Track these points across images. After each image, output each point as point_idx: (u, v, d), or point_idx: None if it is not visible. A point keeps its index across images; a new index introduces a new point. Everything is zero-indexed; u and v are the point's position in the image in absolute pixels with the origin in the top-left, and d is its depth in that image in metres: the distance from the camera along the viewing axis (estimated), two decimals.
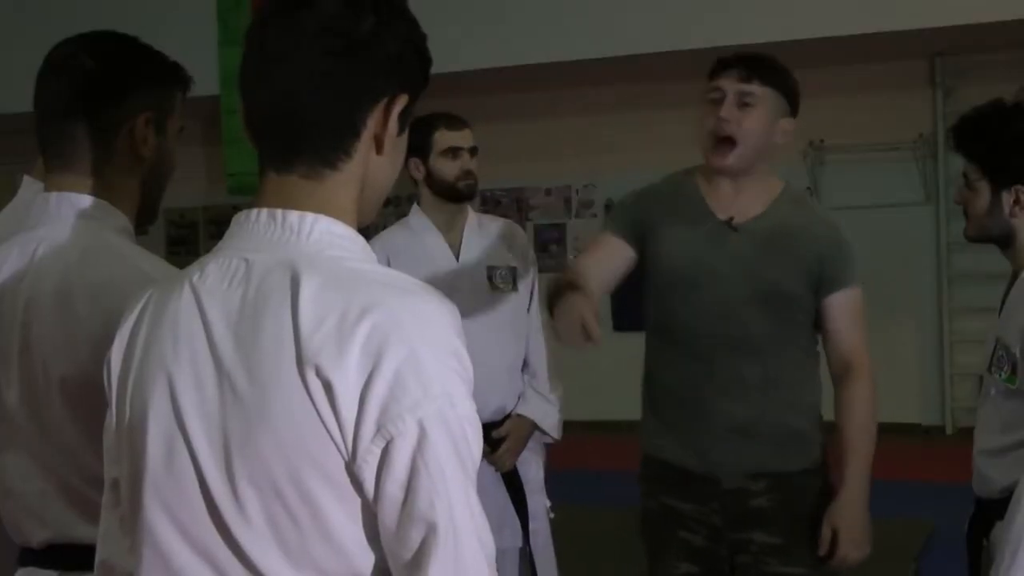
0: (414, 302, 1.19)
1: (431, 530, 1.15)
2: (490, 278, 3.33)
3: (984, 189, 2.47)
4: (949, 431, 8.25)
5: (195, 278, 1.27)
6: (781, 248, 2.65)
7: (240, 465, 1.19)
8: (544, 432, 3.41)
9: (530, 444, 3.39)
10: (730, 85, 2.62)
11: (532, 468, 3.42)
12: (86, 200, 1.73)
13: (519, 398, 3.37)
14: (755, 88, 2.62)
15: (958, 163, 2.56)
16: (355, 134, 1.27)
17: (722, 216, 2.68)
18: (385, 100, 1.27)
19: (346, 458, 1.16)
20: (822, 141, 8.40)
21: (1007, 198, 2.42)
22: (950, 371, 8.28)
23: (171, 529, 1.24)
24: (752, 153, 2.64)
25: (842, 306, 2.68)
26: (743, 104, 2.61)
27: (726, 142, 2.62)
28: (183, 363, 1.23)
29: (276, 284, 1.20)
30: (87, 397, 1.63)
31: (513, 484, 3.34)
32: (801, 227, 2.68)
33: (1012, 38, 7.12)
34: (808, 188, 8.19)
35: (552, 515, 3.47)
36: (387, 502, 1.16)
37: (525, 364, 3.43)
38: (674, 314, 2.72)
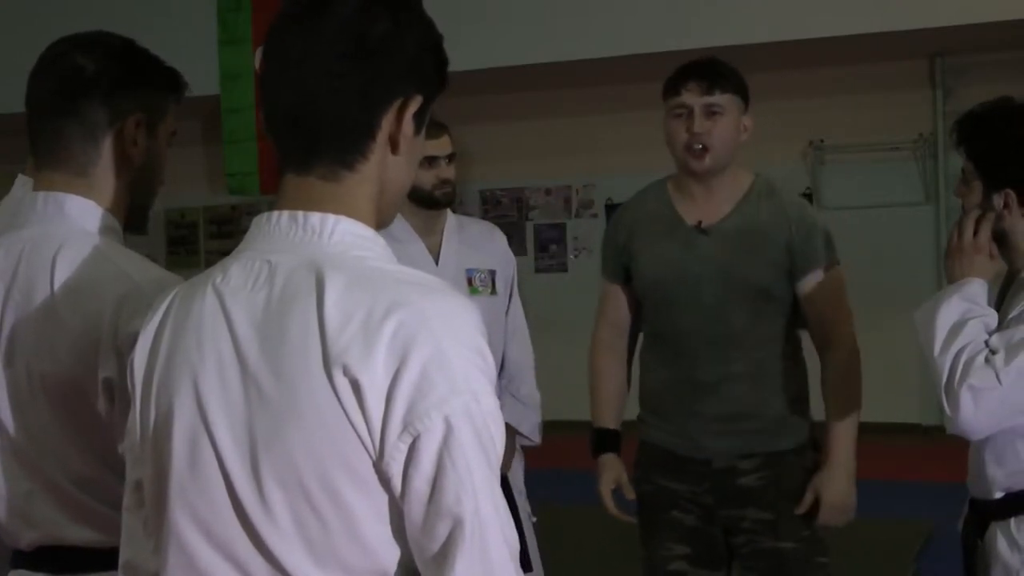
0: (439, 300, 1.21)
1: (458, 524, 1.16)
2: (469, 281, 3.31)
3: (978, 188, 2.45)
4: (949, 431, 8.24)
5: (218, 280, 1.28)
6: (750, 245, 2.77)
7: (266, 465, 1.20)
8: (523, 435, 3.37)
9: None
10: (694, 100, 2.75)
11: (511, 472, 3.35)
12: (73, 200, 1.72)
13: None
14: (718, 98, 2.75)
15: (958, 163, 2.54)
16: (370, 135, 1.28)
17: (691, 222, 2.81)
18: (399, 101, 1.29)
19: (373, 456, 1.17)
20: (822, 141, 8.40)
21: (997, 201, 2.38)
22: None
23: (196, 529, 1.25)
24: (725, 155, 2.78)
25: (815, 286, 2.79)
26: (710, 114, 2.74)
27: (702, 149, 2.75)
28: (208, 364, 1.24)
29: (301, 285, 1.22)
30: (69, 398, 1.64)
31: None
32: (769, 221, 2.79)
33: (1012, 38, 7.12)
34: (808, 188, 8.22)
35: (534, 519, 3.44)
36: (414, 497, 1.17)
37: (502, 368, 3.38)
38: (660, 319, 2.87)
